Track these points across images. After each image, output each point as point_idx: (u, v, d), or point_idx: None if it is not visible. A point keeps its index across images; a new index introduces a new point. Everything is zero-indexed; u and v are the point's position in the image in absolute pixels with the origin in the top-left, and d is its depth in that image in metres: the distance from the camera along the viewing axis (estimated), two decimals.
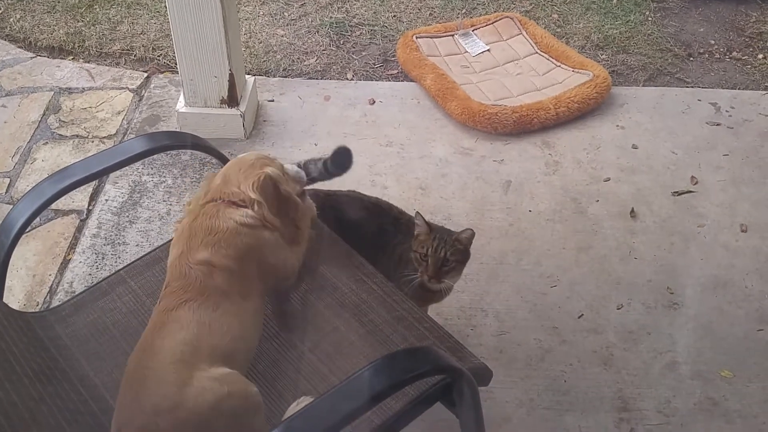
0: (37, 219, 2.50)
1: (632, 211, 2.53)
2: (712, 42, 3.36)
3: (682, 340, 2.17)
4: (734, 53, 3.30)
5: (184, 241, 1.50)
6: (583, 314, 2.24)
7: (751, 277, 2.35)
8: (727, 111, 2.96)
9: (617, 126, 2.89)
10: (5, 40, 3.35)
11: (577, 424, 1.96)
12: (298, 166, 1.75)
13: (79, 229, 2.49)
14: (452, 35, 3.29)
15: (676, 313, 2.24)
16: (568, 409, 1.99)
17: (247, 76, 2.87)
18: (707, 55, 3.30)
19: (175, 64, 2.70)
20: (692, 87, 3.11)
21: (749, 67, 3.23)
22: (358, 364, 1.51)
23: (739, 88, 3.10)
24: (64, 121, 2.92)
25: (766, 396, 2.03)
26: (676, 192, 2.63)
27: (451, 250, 1.77)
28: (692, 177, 2.69)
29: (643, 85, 3.12)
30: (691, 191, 2.64)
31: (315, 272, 1.72)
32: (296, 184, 1.66)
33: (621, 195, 2.62)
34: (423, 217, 1.82)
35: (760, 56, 3.27)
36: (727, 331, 2.20)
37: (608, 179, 2.67)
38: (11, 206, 2.38)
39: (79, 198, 2.58)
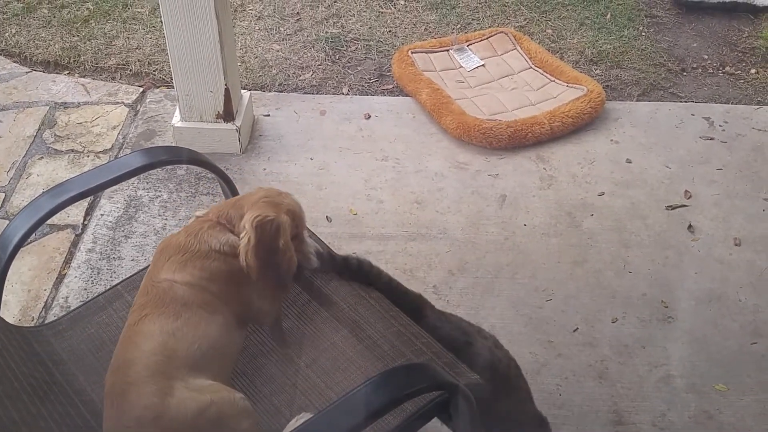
0: (32, 234, 2.51)
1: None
2: (705, 57, 3.40)
3: (677, 354, 2.17)
4: (727, 68, 3.33)
5: (157, 256, 1.51)
6: (578, 328, 2.24)
7: (745, 291, 2.36)
8: (720, 125, 2.98)
9: (611, 140, 2.91)
10: (1, 54, 3.36)
11: None
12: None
13: (75, 244, 2.49)
14: (447, 50, 3.31)
15: (671, 326, 2.25)
16: (563, 423, 2.00)
17: (242, 91, 2.88)
18: (700, 70, 3.33)
19: (171, 78, 2.71)
20: (686, 102, 3.14)
21: (742, 81, 3.26)
22: (355, 380, 1.51)
23: (732, 103, 3.13)
24: (59, 136, 2.92)
25: (760, 409, 2.04)
26: (670, 206, 2.65)
27: None
28: (686, 191, 2.70)
29: (637, 100, 3.14)
30: (685, 205, 2.65)
31: (312, 289, 1.72)
32: (306, 249, 1.60)
33: (615, 209, 2.63)
34: None
35: (753, 71, 3.30)
36: (721, 345, 2.21)
37: (602, 193, 2.69)
38: (7, 221, 2.40)
39: (74, 213, 2.58)
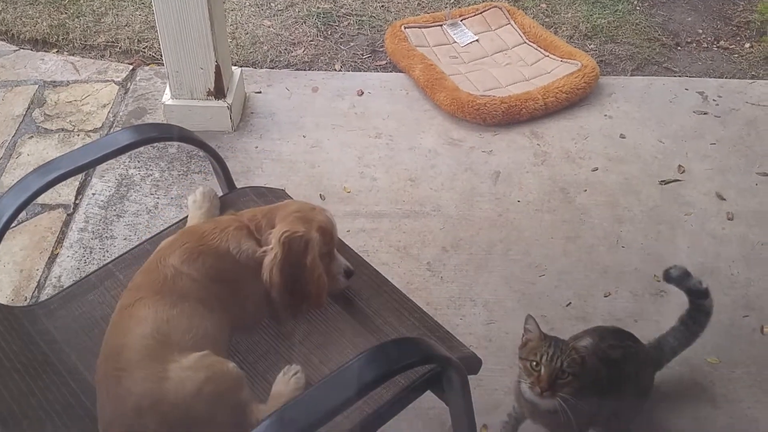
0: (24, 213, 2.49)
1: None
2: (700, 31, 3.38)
3: (669, 327, 2.18)
4: (721, 42, 3.32)
5: (175, 237, 1.49)
6: (570, 302, 2.25)
7: (737, 265, 2.37)
8: (714, 100, 2.97)
9: (605, 116, 2.90)
10: None
11: None
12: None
13: (66, 224, 2.48)
14: (440, 25, 3.28)
15: (663, 300, 2.26)
16: None
17: (233, 68, 2.86)
18: (695, 45, 3.31)
19: (161, 55, 2.68)
20: (680, 76, 3.13)
21: (736, 56, 3.24)
22: (349, 355, 1.51)
23: (726, 77, 3.12)
24: (49, 115, 2.90)
25: (751, 381, 2.05)
26: (663, 181, 2.65)
27: (568, 360, 1.54)
28: (679, 166, 2.70)
29: (631, 75, 3.13)
30: (678, 180, 2.65)
31: None
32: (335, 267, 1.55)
33: (608, 184, 2.63)
34: (535, 322, 1.61)
35: (747, 45, 3.29)
36: (713, 318, 2.19)
37: (596, 169, 2.68)
38: None
39: (65, 192, 2.57)
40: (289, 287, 1.44)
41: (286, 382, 1.45)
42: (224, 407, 1.34)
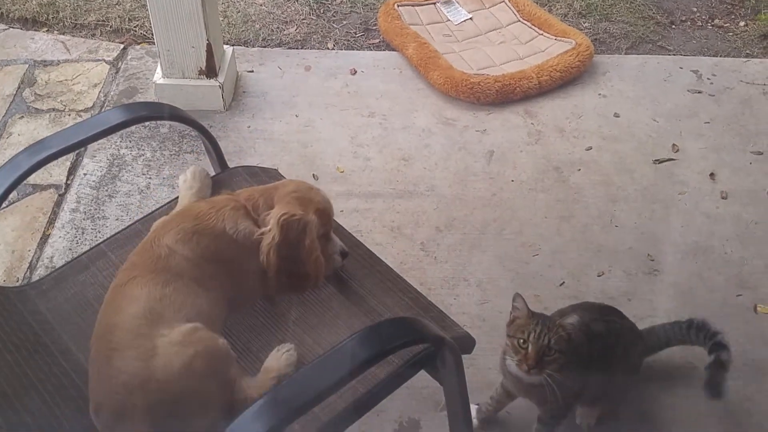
0: (15, 194, 2.48)
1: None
2: (695, 9, 3.36)
3: (663, 306, 2.19)
4: (716, 20, 3.30)
5: (171, 216, 1.48)
6: (564, 282, 2.25)
7: (731, 244, 2.37)
8: (708, 78, 2.96)
9: (599, 94, 2.89)
10: None
11: None
12: None
13: (58, 204, 2.46)
14: (434, 3, 3.26)
15: (657, 279, 2.26)
16: None
17: (225, 47, 2.83)
18: (689, 23, 3.29)
19: (152, 34, 2.65)
20: (674, 55, 3.11)
21: (731, 34, 3.23)
22: (342, 335, 1.51)
23: (720, 56, 3.10)
24: (39, 95, 2.87)
25: (744, 360, 2.06)
26: (657, 160, 2.64)
27: (555, 338, 1.56)
28: (674, 145, 2.69)
29: (626, 53, 3.11)
30: (672, 159, 2.65)
31: None
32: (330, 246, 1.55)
33: (602, 163, 2.62)
34: (523, 300, 1.63)
35: (742, 23, 3.27)
36: (706, 297, 2.22)
37: (590, 148, 2.67)
38: None
39: (57, 172, 2.55)
40: (286, 269, 1.44)
41: (278, 358, 1.45)
42: (213, 383, 1.33)
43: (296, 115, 2.78)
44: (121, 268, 1.47)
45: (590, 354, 1.68)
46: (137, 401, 1.28)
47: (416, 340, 1.34)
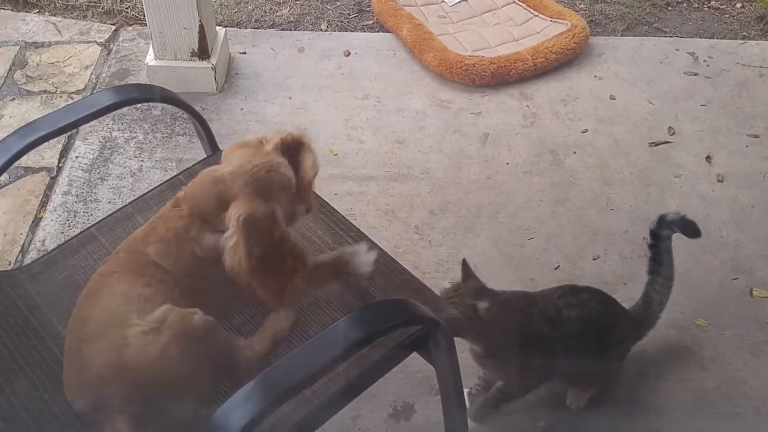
0: (7, 177, 2.46)
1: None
2: None
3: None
4: (712, 2, 3.27)
5: (156, 220, 1.42)
6: (559, 266, 2.24)
7: (727, 227, 2.36)
8: (704, 61, 2.94)
9: (595, 77, 2.87)
10: None
11: None
12: None
13: (50, 187, 2.44)
14: None
15: None
16: None
17: (217, 28, 2.80)
18: (685, 5, 3.27)
19: (144, 16, 2.62)
20: (670, 37, 3.09)
21: (727, 16, 3.20)
22: (335, 317, 1.51)
23: (717, 38, 3.08)
24: (31, 77, 2.84)
25: (739, 344, 2.06)
26: (653, 142, 2.63)
27: (462, 311, 1.62)
28: (669, 127, 2.68)
29: (621, 35, 3.09)
30: (668, 142, 2.63)
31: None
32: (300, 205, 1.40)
33: (598, 146, 2.61)
34: (466, 266, 1.73)
35: (739, 5, 3.25)
36: (702, 281, 2.22)
37: (586, 131, 2.66)
38: None
39: (48, 155, 2.53)
40: (264, 267, 1.30)
41: (277, 318, 1.43)
42: (198, 361, 1.30)
43: (289, 97, 2.75)
44: (109, 256, 1.44)
45: (554, 338, 1.70)
46: (113, 392, 1.25)
47: (409, 321, 1.34)
